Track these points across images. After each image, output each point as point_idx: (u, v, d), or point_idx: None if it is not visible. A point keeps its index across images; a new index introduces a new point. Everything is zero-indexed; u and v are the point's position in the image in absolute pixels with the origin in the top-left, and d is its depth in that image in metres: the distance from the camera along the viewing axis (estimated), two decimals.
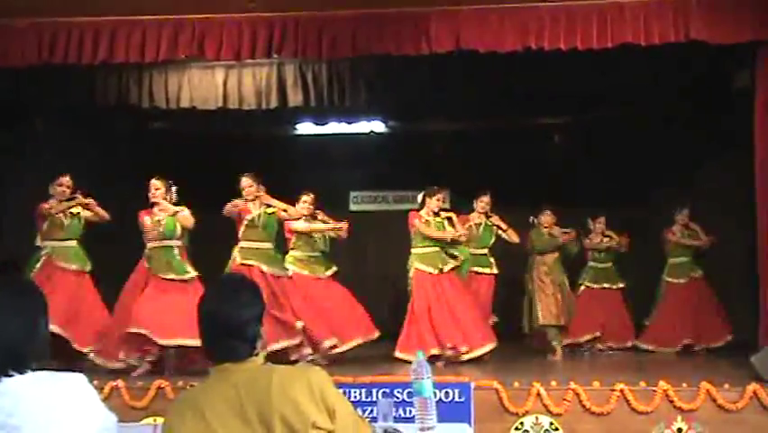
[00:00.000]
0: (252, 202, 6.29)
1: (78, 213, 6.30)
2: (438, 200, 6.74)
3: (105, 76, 6.90)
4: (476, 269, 7.09)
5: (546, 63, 6.06)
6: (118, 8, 5.66)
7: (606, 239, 7.70)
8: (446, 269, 6.56)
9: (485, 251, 7.19)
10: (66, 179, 6.28)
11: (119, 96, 7.04)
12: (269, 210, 6.30)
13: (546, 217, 7.32)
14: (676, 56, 5.95)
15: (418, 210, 6.75)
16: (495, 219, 7.16)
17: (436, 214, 6.74)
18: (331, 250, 6.98)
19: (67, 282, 6.12)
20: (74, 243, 6.30)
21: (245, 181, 6.26)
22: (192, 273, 6.01)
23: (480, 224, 7.17)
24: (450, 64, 6.16)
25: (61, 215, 6.22)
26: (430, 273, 6.53)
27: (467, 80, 6.78)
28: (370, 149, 9.08)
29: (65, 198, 6.25)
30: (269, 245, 6.33)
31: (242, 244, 6.26)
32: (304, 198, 6.71)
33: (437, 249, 6.62)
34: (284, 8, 5.65)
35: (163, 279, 5.94)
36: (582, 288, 7.69)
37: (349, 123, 8.81)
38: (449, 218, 6.80)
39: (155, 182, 6.15)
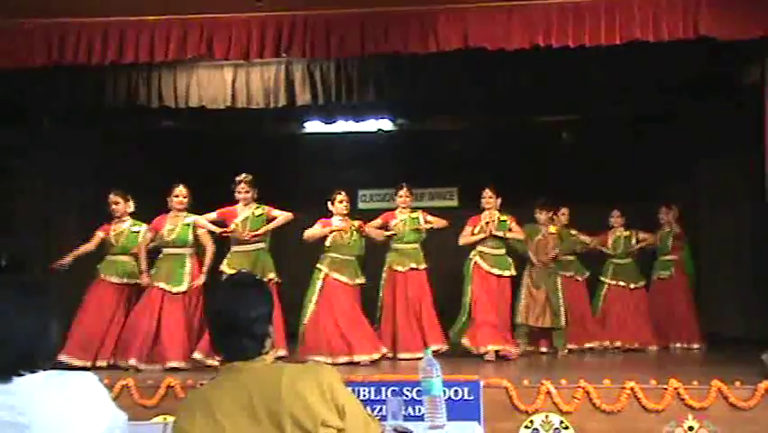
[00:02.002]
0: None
1: (138, 230, 6.47)
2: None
3: (114, 75, 6.92)
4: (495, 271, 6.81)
5: (554, 61, 6.05)
6: (127, 9, 5.68)
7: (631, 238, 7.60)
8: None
9: (502, 251, 6.83)
10: (113, 197, 6.46)
11: (128, 96, 7.05)
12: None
13: (541, 216, 7.22)
14: (682, 53, 5.92)
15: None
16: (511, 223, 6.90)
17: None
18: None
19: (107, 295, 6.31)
20: (123, 257, 6.42)
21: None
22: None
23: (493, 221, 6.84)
24: (458, 62, 6.15)
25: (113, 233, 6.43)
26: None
27: (475, 78, 6.77)
28: (378, 147, 9.08)
29: (118, 216, 6.46)
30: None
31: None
32: (339, 197, 6.61)
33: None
34: (292, 7, 5.65)
35: None
36: (605, 286, 7.65)
37: (357, 121, 8.80)
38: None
39: (182, 190, 6.36)
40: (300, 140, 9.38)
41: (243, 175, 6.41)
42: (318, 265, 6.51)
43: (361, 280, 6.63)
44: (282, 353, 5.98)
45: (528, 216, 7.22)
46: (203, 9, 5.69)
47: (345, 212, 6.64)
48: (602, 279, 7.69)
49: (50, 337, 1.82)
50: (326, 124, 8.74)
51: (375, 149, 9.03)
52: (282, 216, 6.40)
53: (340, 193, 6.62)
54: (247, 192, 6.36)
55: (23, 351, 1.74)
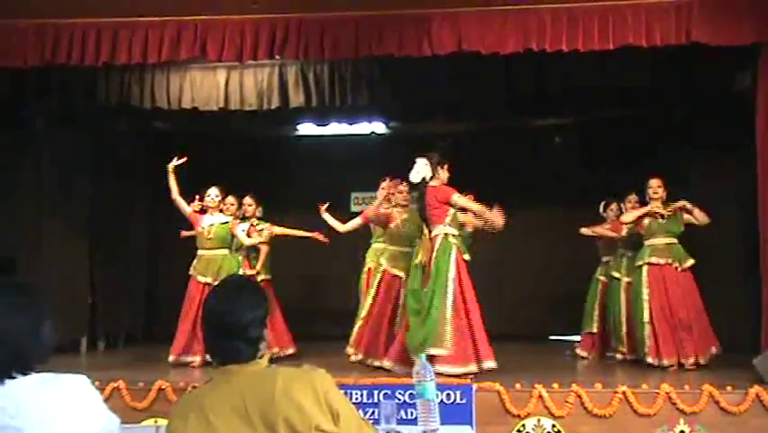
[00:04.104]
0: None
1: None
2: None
3: (107, 76, 6.90)
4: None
5: (548, 64, 6.06)
6: (120, 9, 5.66)
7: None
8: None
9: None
10: (248, 200, 7.05)
11: (121, 97, 7.03)
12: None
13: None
14: (676, 58, 5.95)
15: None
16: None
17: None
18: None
19: None
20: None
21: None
22: None
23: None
24: (451, 65, 6.15)
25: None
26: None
27: (468, 82, 6.76)
28: (372, 150, 9.06)
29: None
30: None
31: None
32: (383, 184, 6.39)
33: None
34: (286, 9, 5.65)
35: None
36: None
37: (350, 123, 8.79)
38: None
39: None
40: (293, 142, 9.36)
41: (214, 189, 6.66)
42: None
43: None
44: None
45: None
46: (196, 10, 5.67)
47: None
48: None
49: (43, 338, 1.81)
50: (319, 126, 8.73)
51: (368, 151, 9.01)
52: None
53: (384, 180, 6.44)
54: (213, 201, 6.66)
55: (16, 352, 1.73)
